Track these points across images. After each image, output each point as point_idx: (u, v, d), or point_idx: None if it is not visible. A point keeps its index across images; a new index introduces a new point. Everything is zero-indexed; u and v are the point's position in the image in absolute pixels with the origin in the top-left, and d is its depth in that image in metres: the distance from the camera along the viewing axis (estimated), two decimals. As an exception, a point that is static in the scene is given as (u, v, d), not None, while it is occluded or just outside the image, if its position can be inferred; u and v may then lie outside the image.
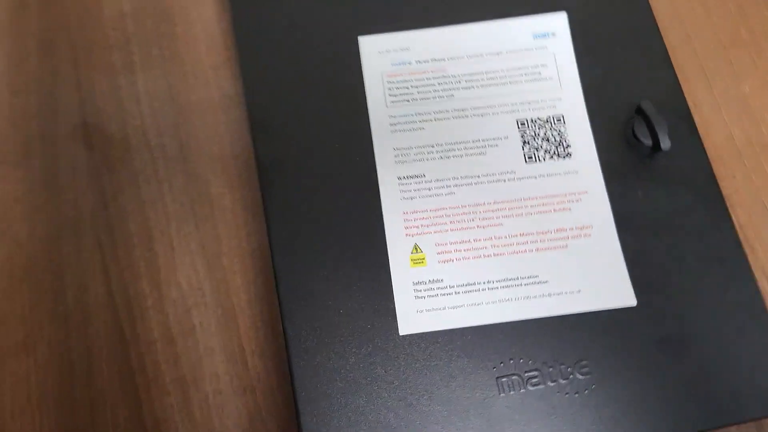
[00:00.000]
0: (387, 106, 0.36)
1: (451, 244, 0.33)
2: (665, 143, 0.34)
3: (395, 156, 0.35)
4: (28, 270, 0.44)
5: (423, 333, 0.32)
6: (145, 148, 0.47)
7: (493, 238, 0.33)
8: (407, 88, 0.36)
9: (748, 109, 0.49)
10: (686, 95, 0.48)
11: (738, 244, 0.34)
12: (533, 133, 0.35)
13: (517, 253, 0.34)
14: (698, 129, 0.46)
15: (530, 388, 0.31)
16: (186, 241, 0.45)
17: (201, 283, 0.44)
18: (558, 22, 0.38)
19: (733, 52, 0.51)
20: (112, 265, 0.44)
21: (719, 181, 0.45)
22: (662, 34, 0.51)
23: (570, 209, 0.34)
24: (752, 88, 0.50)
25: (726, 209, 0.35)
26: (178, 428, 0.41)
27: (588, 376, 0.31)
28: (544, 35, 0.37)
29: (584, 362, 0.32)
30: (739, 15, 0.52)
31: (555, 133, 0.35)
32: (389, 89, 0.36)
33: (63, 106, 0.48)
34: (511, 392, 0.31)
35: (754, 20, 0.52)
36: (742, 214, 0.45)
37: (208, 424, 0.41)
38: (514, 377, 0.31)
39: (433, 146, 0.35)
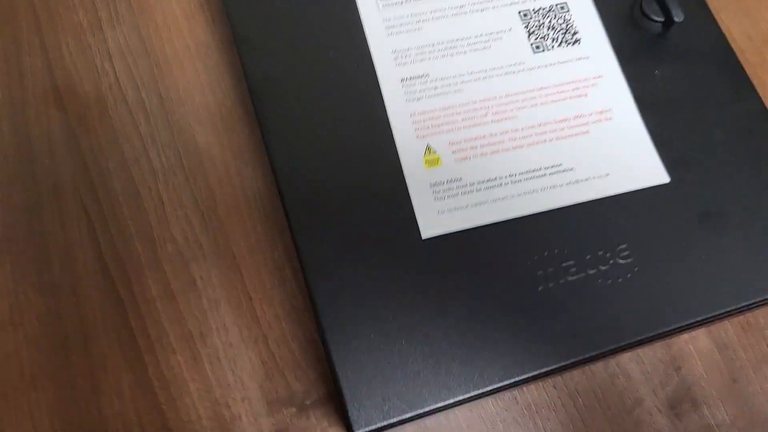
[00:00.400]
0: (380, 9, 0.33)
1: (465, 141, 0.31)
2: (678, 15, 0.32)
3: (395, 58, 0.32)
4: (9, 241, 0.40)
5: (447, 234, 0.29)
6: (122, 106, 0.44)
7: (509, 131, 0.31)
8: (399, -11, 0.34)
9: (744, 7, 0.48)
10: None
11: (764, 109, 0.32)
12: (537, 23, 0.33)
13: (537, 143, 0.31)
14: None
15: (570, 278, 0.29)
16: (176, 194, 0.42)
17: (197, 236, 0.41)
18: None
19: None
20: (99, 228, 0.41)
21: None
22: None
23: (587, 95, 0.32)
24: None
25: (747, 76, 0.33)
26: (188, 386, 0.37)
27: (629, 260, 0.29)
28: None
29: (623, 246, 0.29)
30: None
31: (560, 20, 0.33)
32: (380, -8, 0.34)
33: (30, 72, 0.45)
34: (551, 284, 0.29)
35: None
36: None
37: (221, 378, 0.38)
38: (550, 269, 0.29)
39: (433, 45, 0.32)
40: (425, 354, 0.28)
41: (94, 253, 0.40)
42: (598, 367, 0.39)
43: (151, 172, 0.42)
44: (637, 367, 0.39)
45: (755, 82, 0.45)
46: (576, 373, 0.39)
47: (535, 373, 0.27)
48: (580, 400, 0.38)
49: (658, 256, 0.29)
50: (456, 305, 0.28)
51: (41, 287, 0.39)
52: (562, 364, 0.27)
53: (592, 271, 0.29)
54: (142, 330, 0.39)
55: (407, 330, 0.28)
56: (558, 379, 0.39)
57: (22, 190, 0.42)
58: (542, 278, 0.29)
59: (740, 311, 0.29)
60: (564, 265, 0.29)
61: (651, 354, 0.39)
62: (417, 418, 0.28)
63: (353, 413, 0.27)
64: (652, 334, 0.28)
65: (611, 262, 0.29)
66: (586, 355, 0.27)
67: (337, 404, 0.37)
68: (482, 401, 0.38)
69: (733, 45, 0.46)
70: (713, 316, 0.28)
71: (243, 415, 0.37)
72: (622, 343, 0.28)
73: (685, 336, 0.40)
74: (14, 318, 0.39)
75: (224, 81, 0.45)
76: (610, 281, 0.29)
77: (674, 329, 0.28)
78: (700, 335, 0.40)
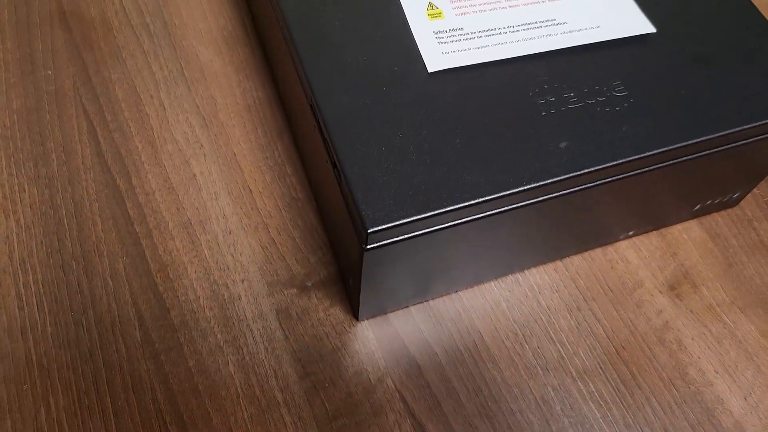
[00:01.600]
0: None
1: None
2: None
3: None
4: (5, 139, 0.40)
5: (452, 68, 0.30)
6: (127, 28, 0.46)
7: (505, -8, 0.33)
8: None
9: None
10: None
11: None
12: None
13: (531, 3, 0.33)
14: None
15: (570, 106, 0.30)
16: (178, 102, 0.43)
17: (198, 137, 0.41)
18: None
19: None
20: (99, 128, 0.41)
21: None
22: None
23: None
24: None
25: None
26: (187, 269, 0.36)
27: (624, 93, 0.30)
28: None
29: (618, 82, 0.31)
30: None
31: None
32: None
33: (36, -2, 0.46)
34: (552, 110, 0.30)
35: None
36: None
37: (220, 262, 0.37)
38: (551, 99, 0.30)
39: None
40: (435, 163, 0.28)
41: (94, 149, 0.40)
42: (597, 253, 0.39)
43: (154, 82, 0.43)
44: (635, 253, 0.39)
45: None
46: (575, 258, 0.39)
47: (544, 183, 0.28)
48: (581, 281, 0.38)
49: (650, 90, 0.31)
50: (463, 127, 0.29)
51: (37, 179, 0.39)
52: (566, 176, 0.28)
53: (590, 101, 0.30)
54: (141, 218, 0.38)
55: (416, 145, 0.28)
56: (558, 263, 0.39)
57: (23, 95, 0.42)
58: (544, 105, 0.30)
59: (728, 143, 0.31)
60: (564, 95, 0.30)
61: (647, 241, 0.40)
62: (430, 225, 0.27)
63: (366, 211, 0.26)
64: (650, 153, 0.29)
65: (608, 94, 0.30)
66: (590, 169, 0.28)
67: (338, 287, 0.37)
68: (485, 285, 0.38)
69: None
70: (705, 140, 0.29)
71: (242, 295, 0.36)
72: (621, 161, 0.28)
73: (678, 227, 0.41)
74: (6, 207, 0.38)
75: (227, 8, 0.47)
76: (608, 109, 0.30)
77: (671, 149, 0.29)
78: (693, 226, 0.41)
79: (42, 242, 0.37)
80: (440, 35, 0.32)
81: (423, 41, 0.32)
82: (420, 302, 0.37)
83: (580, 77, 0.31)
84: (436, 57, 0.31)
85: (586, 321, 0.37)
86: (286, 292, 0.36)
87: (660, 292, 0.38)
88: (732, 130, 0.30)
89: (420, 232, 0.28)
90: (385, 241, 0.28)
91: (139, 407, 0.33)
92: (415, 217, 0.27)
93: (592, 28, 0.33)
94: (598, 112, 0.30)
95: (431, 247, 0.30)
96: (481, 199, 0.28)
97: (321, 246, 0.38)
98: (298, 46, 0.31)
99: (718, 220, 0.41)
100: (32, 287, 0.35)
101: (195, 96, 0.43)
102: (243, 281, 0.36)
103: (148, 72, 0.44)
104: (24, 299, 0.35)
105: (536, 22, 0.33)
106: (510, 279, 0.38)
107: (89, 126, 0.41)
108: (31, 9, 0.46)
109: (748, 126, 0.30)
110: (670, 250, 0.40)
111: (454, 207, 0.27)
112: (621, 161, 0.29)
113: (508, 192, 0.28)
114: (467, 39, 0.32)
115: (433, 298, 0.37)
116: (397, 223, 0.27)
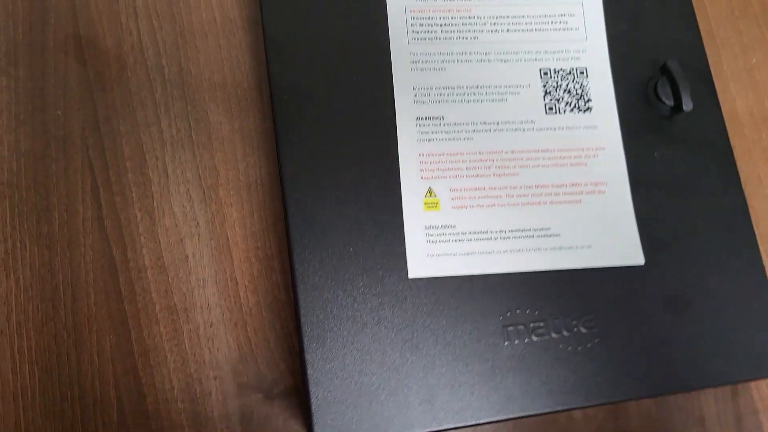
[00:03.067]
0: (409, 43, 0.34)
1: (466, 190, 0.33)
2: (687, 105, 0.34)
3: (414, 95, 0.33)
4: (11, 186, 0.42)
5: (432, 278, 0.31)
6: (141, 68, 0.45)
7: (508, 187, 0.33)
8: (431, 25, 0.35)
9: (753, 81, 0.49)
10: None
11: (746, 212, 0.34)
12: (555, 84, 0.35)
13: (532, 204, 0.33)
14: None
15: (535, 338, 0.31)
16: (181, 169, 0.43)
17: (195, 213, 0.42)
18: (589, -28, 0.37)
19: (743, 22, 0.51)
20: (103, 189, 0.42)
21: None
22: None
23: (586, 164, 0.34)
24: (759, 61, 0.50)
25: (738, 176, 0.35)
26: (167, 357, 0.40)
27: (592, 330, 0.32)
28: (574, -16, 0.36)
29: (590, 316, 0.32)
30: (755, -14, 0.52)
31: (577, 85, 0.35)
32: (412, 25, 0.35)
33: (55, 14, 0.45)
34: (516, 341, 0.31)
35: (769, -7, 0.52)
36: (738, 185, 0.46)
37: (198, 355, 0.40)
38: (520, 327, 0.31)
39: (453, 88, 0.34)
40: (391, 386, 0.30)
41: (95, 212, 0.42)
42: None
43: (161, 141, 0.44)
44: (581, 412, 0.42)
45: (747, 158, 0.47)
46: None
47: (490, 420, 0.30)
48: None
49: (619, 332, 0.32)
50: (428, 344, 0.31)
51: (39, 237, 0.41)
52: (514, 416, 0.30)
53: (555, 335, 0.31)
54: (131, 296, 0.40)
55: (379, 358, 0.30)
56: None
57: (32, 136, 0.43)
58: (511, 334, 0.31)
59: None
60: (532, 325, 0.32)
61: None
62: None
63: (318, 420, 0.29)
64: (598, 403, 0.31)
65: (575, 329, 0.32)
66: (534, 413, 0.30)
67: (300, 399, 0.40)
68: None
69: (734, 118, 0.47)
70: (655, 395, 0.31)
71: (213, 392, 0.40)
72: (567, 407, 0.30)
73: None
74: (8, 264, 0.40)
75: (245, 62, 0.46)
76: (570, 347, 0.31)
77: (618, 401, 0.31)
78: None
79: (38, 308, 0.40)
80: (430, 232, 0.33)
81: (412, 240, 0.32)
82: None
83: (554, 306, 0.32)
84: (420, 262, 0.32)
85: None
86: (252, 397, 0.40)
87: (591, 451, 0.41)
88: (679, 391, 0.32)
89: (366, 438, 0.31)
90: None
91: (109, 487, 0.38)
92: (360, 439, 0.30)
93: (582, 247, 0.33)
94: (560, 349, 0.32)
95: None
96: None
97: (291, 352, 0.41)
98: (291, 231, 0.32)
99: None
100: (26, 353, 0.39)
101: (199, 164, 0.43)
102: (215, 378, 0.40)
103: (156, 128, 0.44)
104: (18, 364, 0.39)
105: (529, 230, 0.33)
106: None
107: (93, 184, 0.42)
108: (47, 30, 0.45)
109: (706, 386, 0.32)
110: (614, 413, 0.42)
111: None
112: (565, 408, 0.31)
113: (450, 427, 0.30)
114: (456, 240, 0.33)
115: None
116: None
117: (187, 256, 0.42)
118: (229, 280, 0.41)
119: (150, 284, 0.41)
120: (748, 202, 0.45)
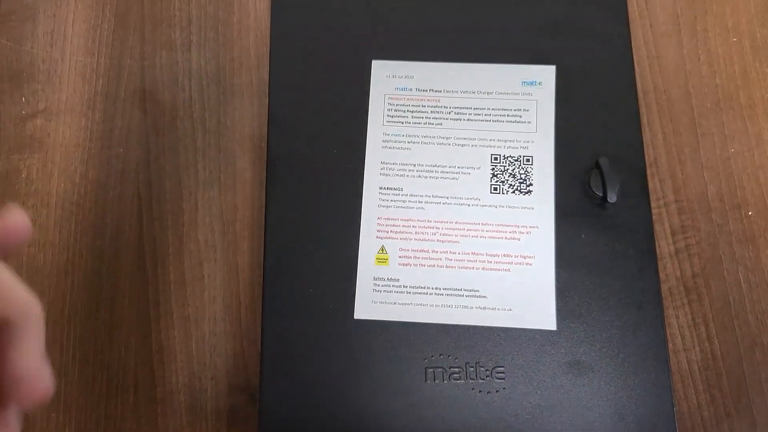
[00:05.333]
0: (383, 125, 0.42)
1: (412, 251, 0.40)
2: (612, 198, 0.39)
3: (381, 169, 0.41)
4: (78, 206, 0.53)
5: (374, 320, 0.39)
6: (188, 119, 0.55)
7: (448, 252, 0.40)
8: (404, 111, 0.42)
9: (728, 169, 0.53)
10: (673, 148, 0.53)
11: (657, 297, 0.39)
12: (503, 168, 0.41)
13: (467, 268, 0.40)
14: (678, 181, 0.51)
15: (452, 381, 0.38)
16: (208, 204, 0.53)
17: (215, 242, 0.52)
18: (546, 74, 0.43)
19: (727, 114, 0.55)
20: (146, 215, 0.52)
21: (684, 232, 0.51)
22: (664, 88, 0.55)
23: (519, 239, 0.40)
24: (736, 152, 0.54)
25: (655, 265, 0.40)
26: (177, 356, 0.49)
27: (502, 381, 0.38)
28: (532, 83, 0.43)
29: (501, 368, 0.38)
30: (742, 79, 0.56)
31: (522, 171, 0.41)
32: (388, 110, 0.42)
33: (126, 72, 0.56)
34: (436, 381, 0.38)
35: (755, 87, 0.55)
36: (697, 264, 0.50)
37: (201, 358, 0.49)
38: (439, 369, 0.38)
39: (414, 165, 0.41)
40: (329, 405, 0.38)
41: (137, 233, 0.52)
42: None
43: (195, 180, 0.53)
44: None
45: (710, 241, 0.51)
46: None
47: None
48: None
49: (526, 386, 0.38)
50: (364, 374, 0.38)
51: (92, 249, 0.52)
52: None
53: (471, 381, 0.38)
54: (155, 304, 0.50)
55: (322, 380, 0.38)
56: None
57: (98, 168, 0.54)
58: (431, 374, 0.38)
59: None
60: (451, 369, 0.38)
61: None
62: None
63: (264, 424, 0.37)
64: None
65: (488, 377, 0.38)
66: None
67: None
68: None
69: (703, 202, 0.52)
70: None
71: (209, 389, 0.49)
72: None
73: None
74: (68, 268, 0.51)
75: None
76: (481, 392, 0.38)
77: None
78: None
79: (85, 305, 0.50)
80: (377, 282, 0.40)
81: (361, 287, 0.40)
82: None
83: (472, 355, 0.39)
84: (366, 305, 0.40)
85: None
86: (240, 397, 0.48)
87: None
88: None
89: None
90: None
91: (119, 455, 0.47)
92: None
93: (504, 309, 0.39)
94: (472, 392, 0.38)
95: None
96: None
97: (278, 365, 0.49)
98: (266, 267, 0.40)
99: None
100: (71, 341, 0.50)
101: (222, 202, 0.53)
102: (212, 379, 0.49)
103: (193, 169, 0.54)
104: (64, 348, 0.49)
105: (461, 290, 0.40)
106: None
107: (138, 210, 0.53)
108: (120, 83, 0.56)
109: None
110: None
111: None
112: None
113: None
114: (398, 292, 0.40)
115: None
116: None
117: (203, 276, 0.51)
118: (234, 299, 0.51)
119: (172, 296, 0.51)
120: (708, 282, 0.50)
